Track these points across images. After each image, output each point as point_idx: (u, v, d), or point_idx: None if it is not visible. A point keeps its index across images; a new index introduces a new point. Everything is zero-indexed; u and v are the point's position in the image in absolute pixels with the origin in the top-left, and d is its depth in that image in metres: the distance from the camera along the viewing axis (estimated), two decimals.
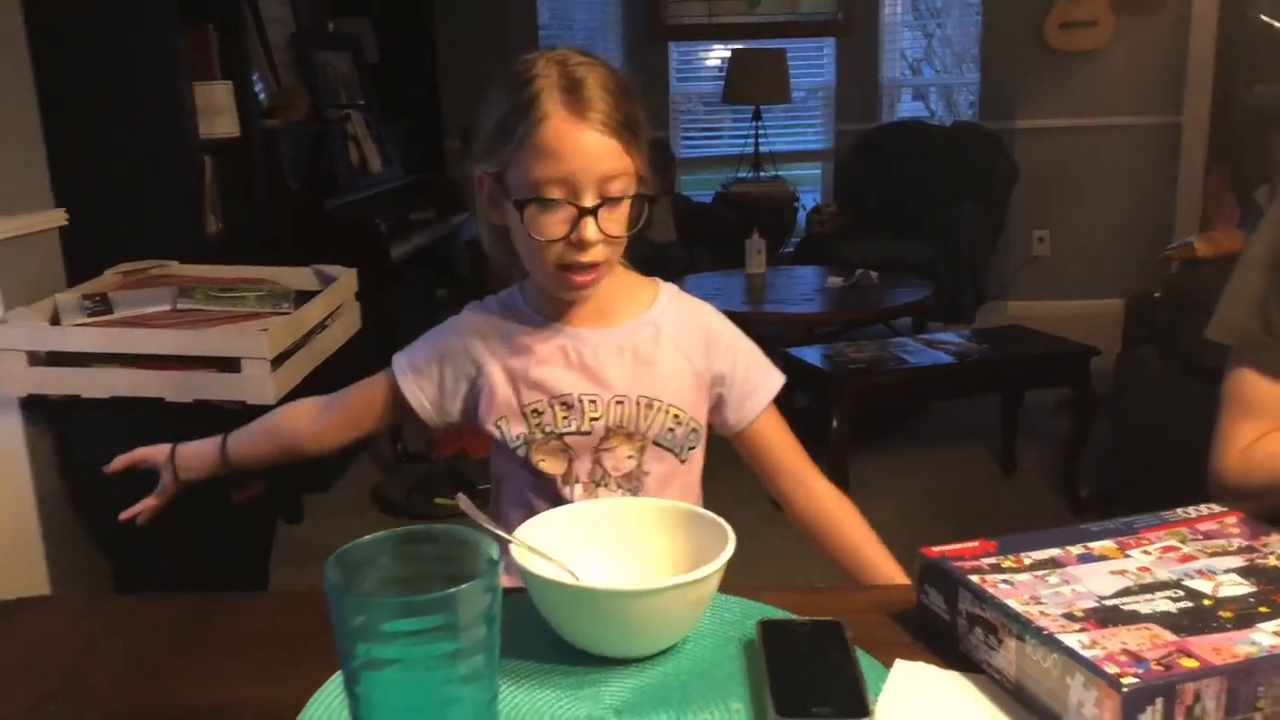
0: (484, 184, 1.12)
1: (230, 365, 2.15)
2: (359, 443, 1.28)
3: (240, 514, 2.42)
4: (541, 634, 0.82)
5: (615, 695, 0.77)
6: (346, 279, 2.58)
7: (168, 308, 2.35)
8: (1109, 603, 0.76)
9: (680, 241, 4.89)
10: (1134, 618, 0.74)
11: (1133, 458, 2.85)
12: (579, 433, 1.13)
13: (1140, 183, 5.17)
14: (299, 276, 2.58)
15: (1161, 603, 0.76)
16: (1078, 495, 3.10)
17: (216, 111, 2.90)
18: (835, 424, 2.94)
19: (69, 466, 2.40)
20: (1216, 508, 0.93)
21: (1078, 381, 3.11)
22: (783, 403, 1.22)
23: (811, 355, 3.18)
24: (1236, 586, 0.78)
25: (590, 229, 1.04)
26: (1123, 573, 0.81)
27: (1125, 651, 0.69)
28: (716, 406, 1.20)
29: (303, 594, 0.94)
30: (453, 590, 0.59)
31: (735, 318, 1.23)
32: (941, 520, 3.04)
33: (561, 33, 5.44)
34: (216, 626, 0.90)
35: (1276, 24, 1.58)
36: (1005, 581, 0.80)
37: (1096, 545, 0.86)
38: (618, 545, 0.89)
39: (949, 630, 0.82)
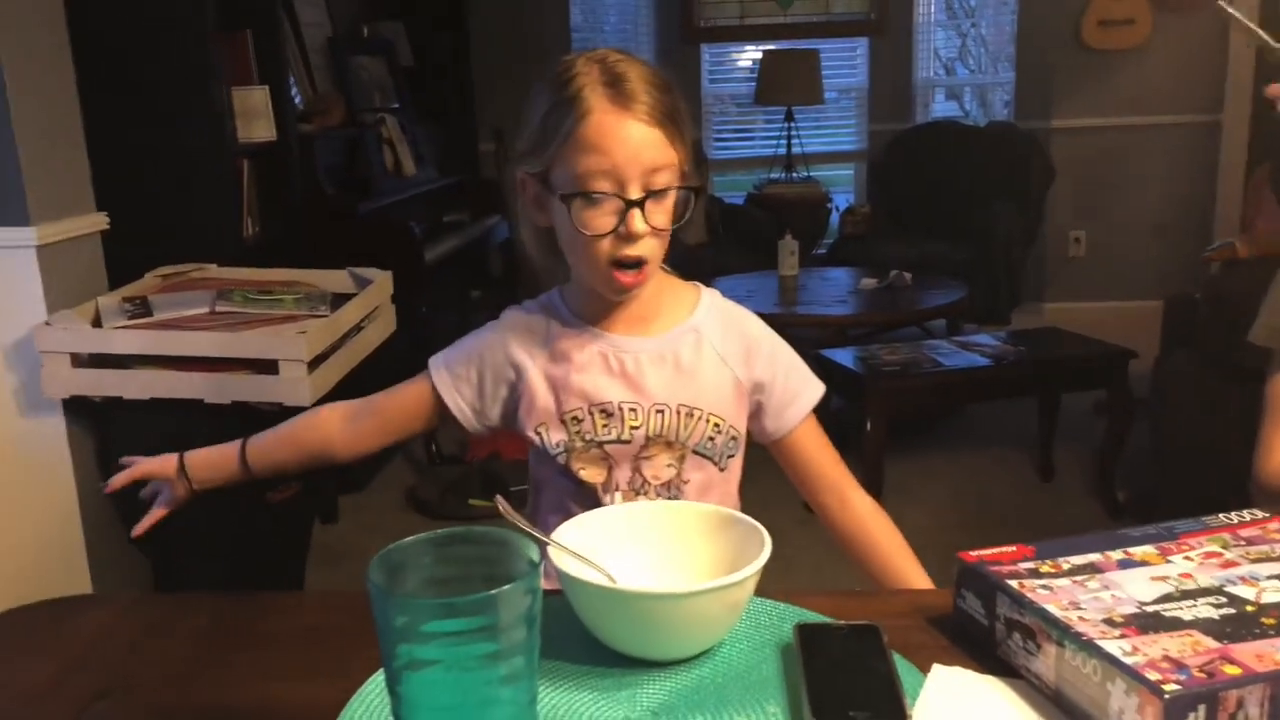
0: (527, 186, 1.12)
1: (268, 367, 2.18)
2: (393, 448, 1.27)
3: (277, 515, 2.45)
4: (578, 636, 0.83)
5: (652, 698, 0.77)
6: (382, 282, 2.61)
7: (206, 310, 2.38)
8: (1150, 609, 0.75)
9: (712, 243, 4.89)
10: (1175, 624, 0.73)
11: (1172, 462, 2.82)
12: (619, 441, 1.12)
13: (1179, 183, 5.10)
14: (335, 279, 2.60)
15: (1203, 609, 0.75)
16: (1115, 499, 3.07)
17: (254, 116, 2.93)
18: (869, 427, 2.93)
19: (110, 467, 2.43)
20: (1259, 513, 0.92)
21: (1115, 384, 3.08)
22: (817, 406, 1.22)
23: (845, 357, 3.16)
24: None
25: (638, 221, 1.04)
26: (1164, 578, 0.80)
27: (1167, 658, 0.68)
28: (755, 414, 1.19)
29: (343, 594, 0.95)
30: (494, 592, 0.59)
31: (768, 320, 1.23)
32: (978, 524, 3.01)
33: (594, 34, 5.46)
34: (258, 626, 0.91)
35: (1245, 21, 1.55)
36: (1044, 586, 0.79)
37: (1137, 550, 0.85)
38: (655, 548, 0.89)
39: (986, 635, 0.81)
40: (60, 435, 2.31)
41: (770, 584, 0.86)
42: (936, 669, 0.79)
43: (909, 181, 5.18)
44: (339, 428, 1.23)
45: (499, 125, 4.74)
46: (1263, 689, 0.66)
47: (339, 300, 2.45)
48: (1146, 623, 0.73)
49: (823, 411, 1.23)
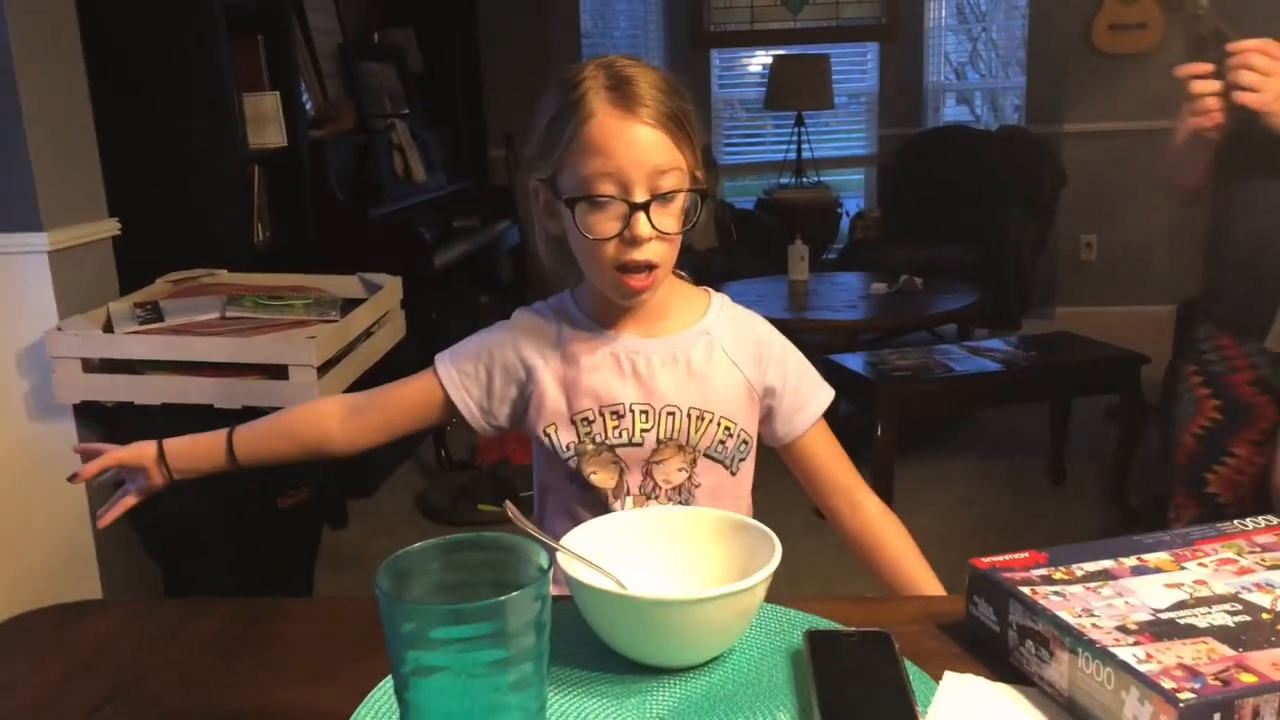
0: (539, 193, 1.11)
1: (278, 372, 2.18)
2: (391, 445, 1.24)
3: (286, 520, 2.45)
4: (588, 642, 0.82)
5: (661, 704, 0.77)
6: (392, 287, 2.61)
7: (217, 315, 2.39)
8: (1164, 616, 0.75)
9: (722, 248, 4.89)
10: (1190, 631, 0.72)
11: None
12: (630, 444, 1.12)
13: None
14: (345, 284, 2.61)
15: (1218, 616, 0.74)
16: (1128, 505, 3.05)
17: (265, 122, 2.95)
18: (880, 432, 2.92)
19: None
20: (1275, 520, 0.91)
21: (1127, 390, 3.06)
22: (827, 411, 1.22)
23: (855, 362, 3.16)
24: None
25: (643, 224, 1.03)
26: (1178, 585, 0.79)
27: (1181, 666, 0.68)
28: (765, 418, 1.19)
29: (352, 599, 0.95)
30: (502, 598, 0.59)
31: (778, 325, 1.22)
32: (989, 530, 3.00)
33: (604, 40, 5.47)
34: (267, 631, 0.91)
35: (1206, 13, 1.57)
36: (1057, 593, 0.78)
37: (1151, 557, 0.84)
38: (664, 554, 0.89)
39: (999, 642, 0.81)
40: (71, 440, 2.31)
41: (780, 590, 0.85)
42: (948, 676, 0.78)
43: (919, 186, 5.17)
44: (339, 421, 1.20)
45: (509, 131, 4.76)
46: (1279, 697, 0.65)
47: (349, 305, 2.46)
48: (1161, 630, 0.73)
49: (832, 417, 1.23)
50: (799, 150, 5.39)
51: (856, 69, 5.68)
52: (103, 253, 2.42)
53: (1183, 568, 0.82)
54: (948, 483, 3.34)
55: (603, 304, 1.14)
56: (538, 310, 1.18)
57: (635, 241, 1.04)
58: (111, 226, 2.43)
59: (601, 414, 1.12)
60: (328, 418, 1.20)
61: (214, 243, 2.71)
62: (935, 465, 3.47)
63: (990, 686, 0.77)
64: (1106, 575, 0.81)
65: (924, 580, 1.14)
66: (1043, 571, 0.82)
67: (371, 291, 2.58)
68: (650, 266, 1.06)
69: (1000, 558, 0.85)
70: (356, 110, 3.76)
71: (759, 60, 5.66)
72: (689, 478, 1.14)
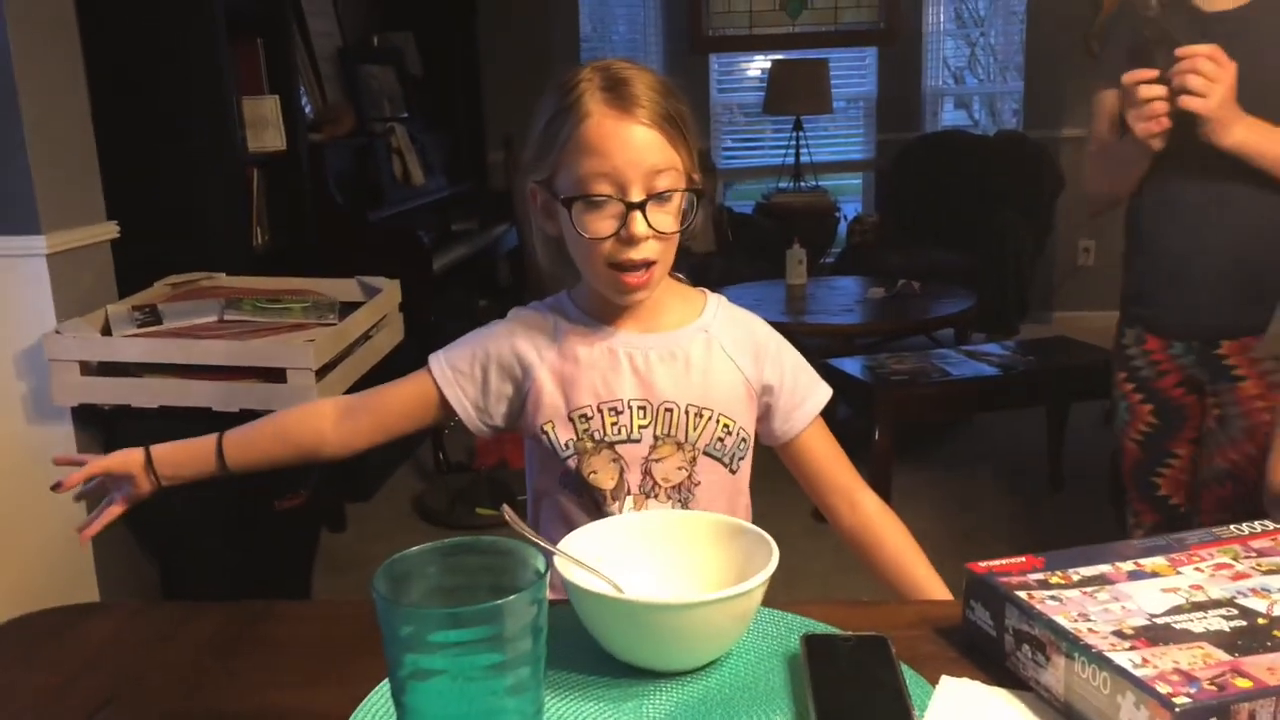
0: (536, 196, 1.12)
1: (276, 376, 2.18)
2: (389, 448, 1.23)
3: (284, 523, 2.45)
4: (584, 646, 0.82)
5: (658, 709, 0.77)
6: (390, 290, 2.61)
7: (215, 319, 2.39)
8: (1160, 621, 0.75)
9: (720, 252, 4.89)
10: (1186, 636, 0.73)
11: None
12: (629, 440, 1.12)
13: None
14: (344, 288, 2.61)
15: (1214, 621, 0.75)
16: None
17: (264, 125, 2.95)
18: (877, 436, 2.92)
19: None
20: (1271, 525, 0.91)
21: None
22: (824, 414, 1.22)
23: (852, 366, 3.16)
24: None
25: (639, 223, 1.04)
26: (1174, 590, 0.80)
27: (1177, 671, 0.68)
28: (763, 417, 1.19)
29: (350, 603, 0.95)
30: (499, 602, 0.59)
31: (776, 328, 1.23)
32: (987, 534, 3.00)
33: (603, 44, 5.47)
34: (265, 633, 0.91)
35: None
36: (1053, 598, 0.79)
37: (1147, 562, 0.84)
38: (661, 558, 0.89)
39: (995, 646, 0.81)
40: (69, 443, 2.31)
41: (777, 594, 0.85)
42: (945, 681, 0.78)
43: (917, 190, 5.18)
44: (333, 423, 1.18)
45: (508, 134, 4.76)
46: (1274, 703, 0.66)
47: (347, 309, 2.46)
48: (1157, 635, 0.73)
49: (830, 420, 1.23)
50: (797, 154, 5.40)
51: (855, 73, 5.69)
52: (101, 255, 2.42)
53: (1179, 573, 0.83)
54: (945, 487, 3.35)
55: (600, 303, 1.14)
56: (534, 308, 1.19)
57: (631, 240, 1.05)
58: (110, 229, 2.43)
59: (600, 410, 1.12)
60: (321, 420, 1.19)
61: (213, 246, 2.71)
62: (932, 470, 3.47)
63: (987, 691, 0.78)
64: (1103, 580, 0.82)
65: (925, 578, 1.14)
66: (1039, 576, 0.82)
67: (370, 295, 2.58)
68: (647, 264, 1.07)
69: (997, 562, 0.85)
70: (355, 113, 3.76)
71: (758, 65, 5.67)
72: (688, 476, 1.14)
